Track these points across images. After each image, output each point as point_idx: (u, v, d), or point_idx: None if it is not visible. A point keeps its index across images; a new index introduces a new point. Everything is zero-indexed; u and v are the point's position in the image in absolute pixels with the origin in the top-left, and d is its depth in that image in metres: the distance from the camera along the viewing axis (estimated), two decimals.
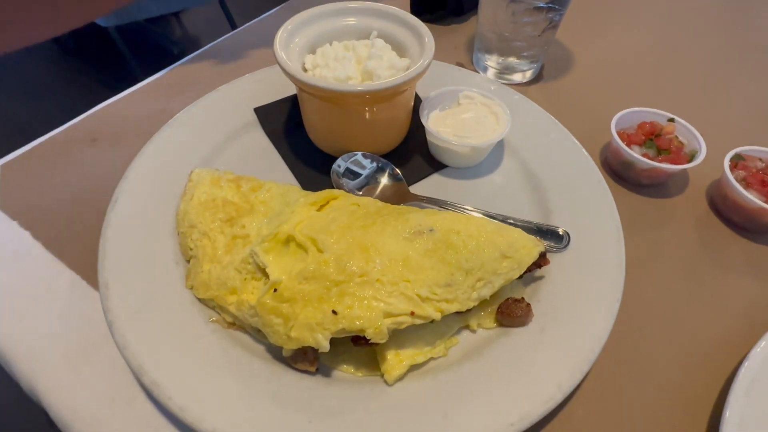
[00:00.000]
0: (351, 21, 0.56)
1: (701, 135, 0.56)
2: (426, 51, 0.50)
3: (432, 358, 0.41)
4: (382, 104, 0.50)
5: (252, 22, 0.82)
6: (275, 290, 0.38)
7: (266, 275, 0.41)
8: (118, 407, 0.40)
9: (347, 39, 0.56)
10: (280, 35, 0.50)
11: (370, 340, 0.37)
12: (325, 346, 0.36)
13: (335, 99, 0.48)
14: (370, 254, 0.39)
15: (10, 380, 0.45)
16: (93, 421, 0.39)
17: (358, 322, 0.36)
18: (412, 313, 0.37)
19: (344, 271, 0.38)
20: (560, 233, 0.47)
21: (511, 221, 0.48)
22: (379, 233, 0.41)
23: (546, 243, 0.46)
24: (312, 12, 0.54)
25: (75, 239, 0.51)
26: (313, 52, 0.55)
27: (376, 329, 0.36)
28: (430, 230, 0.41)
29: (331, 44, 0.55)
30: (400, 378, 0.39)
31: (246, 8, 0.75)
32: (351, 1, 0.56)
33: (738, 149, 0.55)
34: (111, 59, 2.40)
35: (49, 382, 0.41)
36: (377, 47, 0.53)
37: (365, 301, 0.37)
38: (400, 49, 0.55)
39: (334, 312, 0.36)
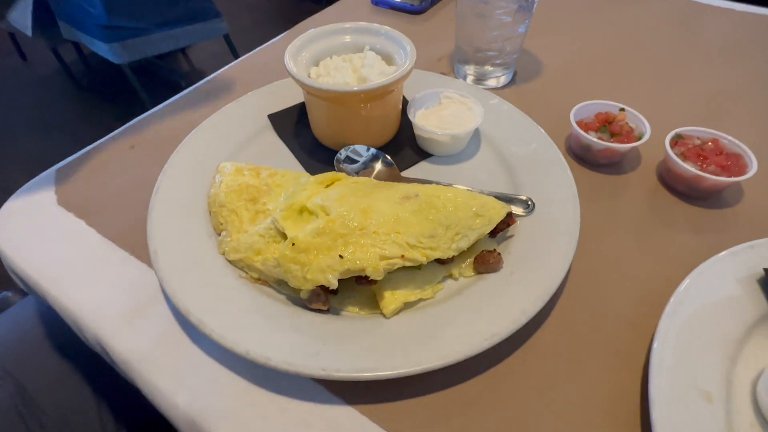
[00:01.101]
0: (347, 39, 0.68)
1: (647, 120, 0.67)
2: (409, 58, 0.61)
3: (422, 299, 0.50)
4: (374, 102, 0.61)
5: (258, 48, 0.94)
6: (293, 244, 0.47)
7: (285, 237, 0.50)
8: (167, 349, 0.49)
9: (345, 53, 0.67)
10: (290, 50, 0.62)
11: (369, 278, 0.46)
12: (334, 284, 0.45)
13: (336, 99, 0.59)
14: (368, 214, 0.49)
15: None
16: (147, 359, 0.48)
17: (359, 263, 0.45)
18: (403, 257, 0.47)
19: (347, 227, 0.48)
20: (525, 199, 0.57)
21: (486, 192, 0.58)
22: (375, 199, 0.51)
23: (515, 209, 0.56)
24: (315, 32, 0.66)
25: (123, 225, 0.61)
26: (317, 64, 0.66)
27: (374, 268, 0.46)
28: (416, 195, 0.51)
29: (331, 58, 0.66)
30: (396, 312, 0.48)
31: (250, 42, 0.86)
32: (346, 22, 0.68)
33: (677, 130, 0.65)
34: (123, 94, 2.56)
35: (110, 332, 0.50)
36: (369, 58, 0.64)
37: (365, 248, 0.46)
38: (388, 59, 0.66)
39: (340, 256, 0.46)
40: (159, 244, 0.53)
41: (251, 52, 0.93)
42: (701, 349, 0.45)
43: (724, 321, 0.47)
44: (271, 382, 0.46)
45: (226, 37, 2.45)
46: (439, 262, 0.51)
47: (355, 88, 0.57)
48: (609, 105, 0.70)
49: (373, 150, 0.64)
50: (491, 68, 0.81)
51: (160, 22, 2.21)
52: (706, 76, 0.85)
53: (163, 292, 0.52)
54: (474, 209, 0.51)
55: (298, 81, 0.59)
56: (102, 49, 2.32)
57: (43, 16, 2.31)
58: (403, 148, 0.68)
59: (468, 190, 0.57)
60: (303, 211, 0.52)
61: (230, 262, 0.53)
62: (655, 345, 0.44)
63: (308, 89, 0.60)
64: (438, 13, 1.05)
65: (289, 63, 0.60)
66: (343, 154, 0.63)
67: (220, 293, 0.49)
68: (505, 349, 0.48)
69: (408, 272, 0.50)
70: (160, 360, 0.48)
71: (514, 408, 0.44)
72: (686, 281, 0.49)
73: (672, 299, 0.47)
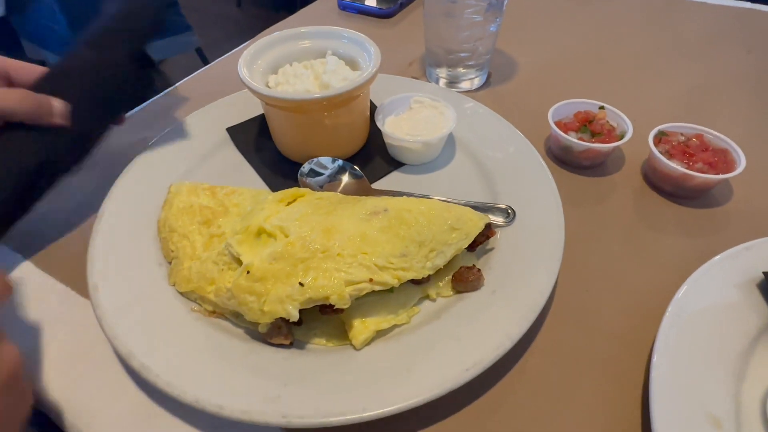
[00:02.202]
0: (306, 44, 0.63)
1: (628, 118, 0.63)
2: (374, 61, 0.57)
3: (396, 326, 0.45)
4: (339, 110, 0.56)
5: (217, 60, 0.89)
6: (248, 272, 0.42)
7: (240, 264, 0.45)
8: (109, 397, 0.43)
9: (305, 59, 0.63)
10: (244, 58, 0.57)
11: (335, 306, 0.41)
12: (294, 315, 0.40)
13: (297, 108, 0.54)
14: (331, 234, 0.44)
15: None
16: (86, 411, 0.42)
17: (322, 290, 0.40)
18: (371, 280, 0.42)
19: (308, 250, 0.43)
20: (504, 208, 0.53)
21: (462, 203, 0.54)
22: (339, 217, 0.46)
23: (494, 219, 0.52)
24: (270, 38, 0.61)
25: (63, 256, 0.55)
26: (275, 72, 0.61)
27: (339, 296, 0.40)
28: (385, 210, 0.46)
29: (291, 65, 0.62)
30: (367, 342, 0.43)
31: (222, 55, 0.82)
32: (304, 27, 0.63)
33: (661, 126, 0.62)
34: None
35: (45, 380, 0.44)
36: (331, 63, 0.60)
37: (328, 273, 0.41)
38: (352, 64, 0.61)
39: (300, 284, 0.41)
40: (100, 277, 0.47)
41: (209, 65, 0.88)
42: (704, 367, 0.41)
43: (726, 333, 0.43)
44: (232, 429, 0.40)
45: (199, 51, 2.39)
46: (414, 282, 0.46)
47: (317, 95, 0.52)
48: (588, 103, 0.66)
49: (339, 161, 0.59)
50: (464, 70, 0.77)
51: None
52: (684, 71, 0.82)
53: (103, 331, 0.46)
54: (449, 222, 0.47)
55: (253, 91, 0.54)
56: None
57: (3, 36, 2.23)
58: (373, 158, 0.64)
59: (443, 201, 0.53)
60: (261, 233, 0.47)
61: (181, 293, 0.47)
62: (654, 366, 0.40)
63: (265, 99, 0.55)
64: (407, 16, 1.01)
65: (243, 71, 0.55)
66: (306, 167, 0.58)
67: (167, 331, 0.43)
68: (490, 378, 0.43)
69: (379, 296, 0.45)
70: (101, 410, 0.42)
71: None
72: (682, 290, 0.45)
73: (668, 311, 0.43)
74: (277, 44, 0.61)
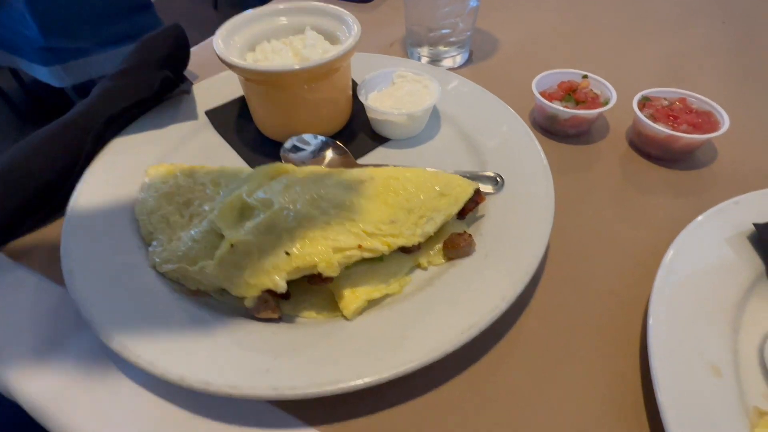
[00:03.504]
0: (283, 20, 0.62)
1: (612, 87, 0.63)
2: (354, 33, 0.55)
3: (387, 295, 0.43)
4: (319, 83, 0.55)
5: (195, 46, 0.86)
6: (232, 245, 0.40)
7: (223, 239, 0.43)
8: (87, 384, 0.41)
9: (284, 36, 0.61)
10: (220, 33, 0.55)
11: (323, 275, 0.39)
12: (282, 285, 0.39)
13: (275, 81, 0.53)
14: (317, 203, 0.42)
15: None
16: (62, 398, 0.40)
17: (309, 259, 0.39)
18: (360, 247, 0.40)
19: (293, 219, 0.41)
20: (493, 176, 0.52)
21: (450, 172, 0.53)
22: (324, 186, 0.44)
23: (483, 188, 0.51)
24: (246, 15, 0.59)
25: (37, 246, 0.52)
26: (252, 50, 0.59)
27: (327, 263, 0.39)
28: (371, 178, 0.45)
29: (269, 41, 0.60)
30: (359, 312, 0.41)
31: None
32: (280, 2, 0.62)
33: (644, 92, 0.62)
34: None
35: (18, 370, 0.42)
36: (310, 38, 0.58)
37: (315, 241, 0.40)
38: (332, 39, 0.60)
39: (287, 253, 0.39)
40: (75, 261, 0.45)
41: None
42: (700, 319, 0.40)
43: (720, 285, 0.43)
44: (219, 411, 0.39)
45: None
46: (404, 251, 0.45)
47: (296, 67, 0.51)
48: (571, 73, 0.66)
49: (322, 138, 0.58)
50: (445, 48, 0.77)
51: (102, 41, 2.07)
52: (663, 42, 0.83)
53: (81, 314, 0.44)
54: (438, 189, 0.46)
55: (230, 65, 0.52)
56: (42, 73, 2.17)
57: None
58: (357, 134, 0.62)
59: (427, 169, 0.52)
60: (244, 208, 0.45)
61: (162, 274, 0.45)
62: (650, 321, 0.40)
63: (243, 73, 0.53)
64: (386, 1, 1.00)
65: (220, 45, 0.53)
66: (289, 143, 0.57)
67: (149, 312, 0.41)
68: (487, 342, 0.42)
69: (369, 266, 0.44)
70: (78, 397, 0.40)
71: (502, 407, 0.38)
72: (673, 246, 0.45)
73: (661, 267, 0.43)
74: (254, 21, 0.60)
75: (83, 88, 2.27)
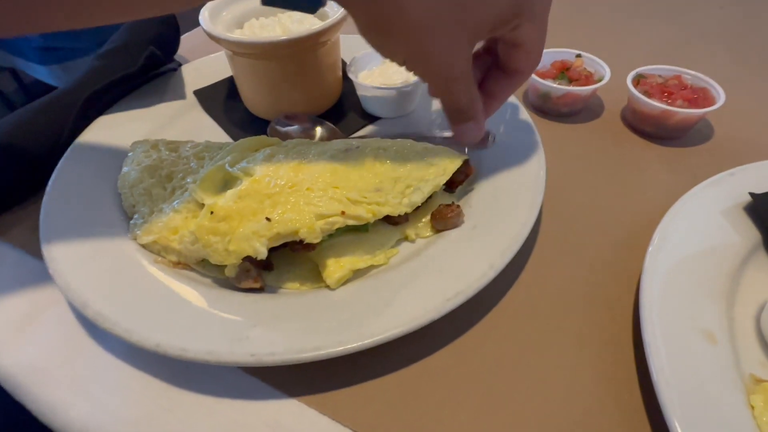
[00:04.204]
0: None
1: (607, 65, 0.62)
2: (343, 8, 0.54)
3: (373, 266, 0.42)
4: (307, 57, 0.54)
5: (185, 35, 0.86)
6: (212, 213, 0.39)
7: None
8: (62, 356, 0.40)
9: (272, 14, 0.60)
10: (207, 8, 0.54)
11: (305, 241, 0.38)
12: (263, 252, 0.38)
13: (263, 53, 0.52)
14: (300, 170, 0.41)
15: None
16: (37, 370, 0.39)
17: (290, 224, 0.38)
18: (343, 213, 0.39)
19: (275, 186, 0.40)
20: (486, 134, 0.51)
21: (438, 136, 0.52)
22: (308, 155, 0.43)
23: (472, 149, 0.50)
24: None
25: (17, 222, 0.51)
26: (240, 27, 0.59)
27: (309, 228, 0.38)
28: (356, 147, 0.44)
29: (257, 19, 0.59)
30: (342, 281, 0.40)
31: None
32: None
33: (638, 69, 0.61)
34: None
35: None
36: (298, 14, 0.58)
37: (297, 207, 0.39)
38: (321, 16, 0.59)
39: (267, 219, 0.38)
40: (54, 231, 0.44)
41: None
42: (695, 288, 0.39)
43: (715, 255, 0.42)
44: (194, 382, 0.38)
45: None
46: (391, 222, 0.44)
47: (283, 38, 0.50)
48: (565, 52, 0.65)
49: (310, 116, 0.57)
50: None
51: (101, 42, 2.08)
52: (661, 22, 0.82)
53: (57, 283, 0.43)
54: (426, 159, 0.45)
55: (215, 38, 0.51)
56: (40, 72, 2.17)
57: None
58: (347, 114, 0.61)
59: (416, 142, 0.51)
60: (227, 179, 0.44)
61: (143, 246, 0.44)
62: (643, 287, 0.38)
63: (230, 46, 0.52)
64: None
65: (206, 20, 0.53)
66: (277, 120, 0.56)
67: (127, 282, 0.40)
68: (475, 314, 0.41)
69: (354, 236, 0.43)
70: (54, 369, 0.39)
71: (491, 380, 0.37)
72: (668, 215, 0.44)
73: (656, 235, 0.42)
74: None
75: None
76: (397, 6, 0.32)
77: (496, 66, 0.43)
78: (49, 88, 2.04)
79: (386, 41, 0.36)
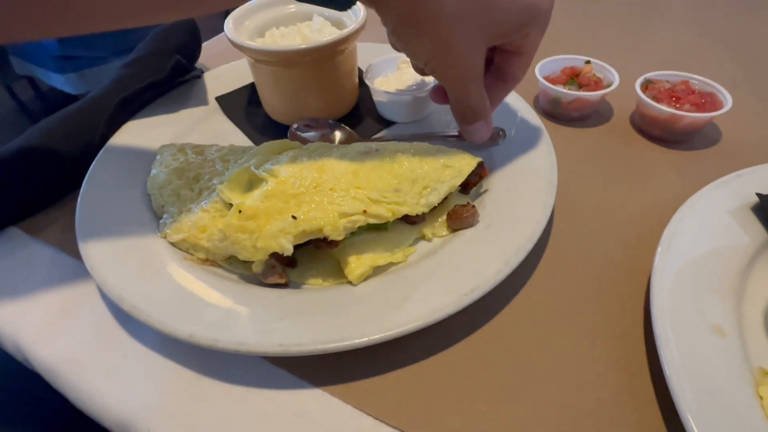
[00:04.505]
0: (292, 8, 0.64)
1: (615, 71, 0.64)
2: (360, 18, 0.57)
3: (392, 264, 0.44)
4: (326, 65, 0.56)
5: (206, 42, 0.89)
6: (240, 211, 0.42)
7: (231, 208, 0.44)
8: (98, 347, 0.42)
9: (292, 24, 0.63)
10: (231, 17, 0.57)
11: (329, 239, 0.40)
12: (288, 248, 0.40)
13: (283, 60, 0.54)
14: (323, 171, 0.43)
15: None
16: (74, 360, 0.41)
17: (315, 222, 0.40)
18: (365, 212, 0.41)
19: (300, 186, 0.42)
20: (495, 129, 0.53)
21: (450, 135, 0.54)
22: (330, 157, 0.45)
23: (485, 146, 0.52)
24: (257, 2, 0.61)
25: (51, 222, 0.54)
26: (262, 35, 0.61)
27: (332, 227, 0.40)
28: (376, 150, 0.46)
29: (278, 28, 0.62)
30: (363, 277, 0.42)
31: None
32: None
33: (647, 75, 0.63)
34: None
35: (32, 336, 0.43)
36: (317, 23, 0.60)
37: (321, 206, 0.41)
38: (338, 24, 0.62)
39: (293, 217, 0.40)
40: (89, 231, 0.46)
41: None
42: (704, 284, 0.40)
43: (723, 254, 0.43)
44: (224, 372, 0.39)
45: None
46: (409, 221, 0.46)
47: (303, 46, 0.52)
48: (574, 59, 0.67)
49: (329, 120, 0.59)
50: None
51: (117, 50, 2.13)
52: (668, 29, 0.84)
53: (96, 285, 0.45)
54: (442, 161, 0.47)
55: (239, 46, 0.54)
56: (58, 81, 2.22)
57: None
58: (364, 118, 0.64)
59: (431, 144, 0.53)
60: (252, 180, 0.46)
61: (173, 244, 0.46)
62: (653, 283, 0.40)
63: (253, 54, 0.55)
64: None
65: (230, 29, 0.55)
66: (296, 125, 0.58)
67: (159, 277, 0.42)
68: (491, 309, 0.43)
69: (375, 235, 0.45)
70: (91, 360, 0.41)
71: (506, 371, 0.39)
72: (678, 214, 0.45)
73: (665, 233, 0.43)
74: (264, 8, 0.62)
75: None
76: None
77: (489, 72, 0.46)
78: (65, 96, 2.08)
79: (417, 33, 0.39)
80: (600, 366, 0.38)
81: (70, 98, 2.25)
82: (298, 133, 0.57)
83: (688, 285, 0.40)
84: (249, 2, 0.61)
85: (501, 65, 0.45)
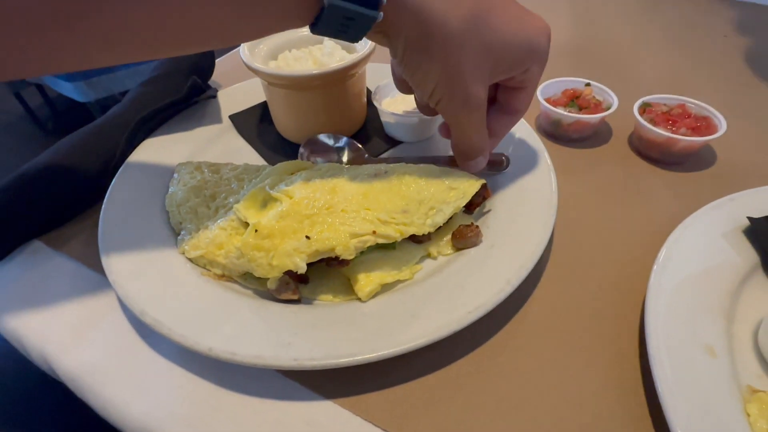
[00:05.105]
0: (305, 31, 0.66)
1: (614, 94, 0.66)
2: (369, 43, 0.60)
3: (399, 281, 0.46)
4: (336, 88, 0.59)
5: (218, 59, 0.92)
6: (256, 230, 0.44)
7: (247, 227, 0.47)
8: (121, 358, 0.44)
9: (304, 46, 0.66)
10: (245, 44, 0.60)
11: (340, 258, 0.43)
12: (302, 266, 0.42)
13: (295, 85, 0.57)
14: (335, 193, 0.46)
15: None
16: (98, 371, 0.43)
17: (328, 242, 0.42)
18: (374, 233, 0.44)
19: (313, 207, 0.45)
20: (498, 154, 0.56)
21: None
22: (341, 179, 0.48)
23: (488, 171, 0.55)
24: None
25: (73, 236, 0.56)
26: (275, 58, 0.64)
27: (344, 246, 0.42)
28: (385, 172, 0.49)
29: (290, 51, 0.65)
30: (372, 294, 0.44)
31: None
32: None
33: (645, 98, 0.65)
34: None
35: (58, 347, 0.45)
36: (328, 47, 0.63)
37: (333, 227, 0.43)
38: (348, 48, 0.64)
39: (307, 237, 0.43)
40: (112, 246, 0.48)
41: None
42: (696, 305, 0.42)
43: (715, 276, 0.45)
44: (240, 384, 0.42)
45: None
46: (415, 240, 0.48)
47: (314, 72, 0.55)
48: (575, 81, 0.70)
49: (338, 137, 0.62)
50: None
51: None
52: (665, 54, 0.86)
53: (117, 299, 0.48)
54: (447, 183, 0.49)
55: (254, 70, 0.57)
56: (66, 88, 2.27)
57: None
58: (371, 137, 0.66)
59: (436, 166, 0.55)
60: (266, 199, 0.49)
61: (190, 260, 0.49)
62: (648, 303, 0.42)
63: (267, 78, 0.57)
64: None
65: (246, 54, 0.58)
66: (306, 143, 0.60)
67: (179, 292, 0.45)
68: (493, 326, 0.45)
69: (382, 253, 0.47)
70: (114, 370, 0.43)
71: (507, 386, 0.41)
72: (671, 238, 0.47)
73: (661, 254, 0.45)
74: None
75: (106, 104, 2.36)
76: (440, 18, 0.37)
77: (493, 107, 0.48)
78: (73, 103, 2.10)
79: (427, 58, 0.40)
80: (596, 382, 0.40)
81: (78, 105, 2.28)
82: (308, 153, 0.60)
83: (682, 305, 0.42)
84: None
85: (504, 101, 0.47)
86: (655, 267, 0.45)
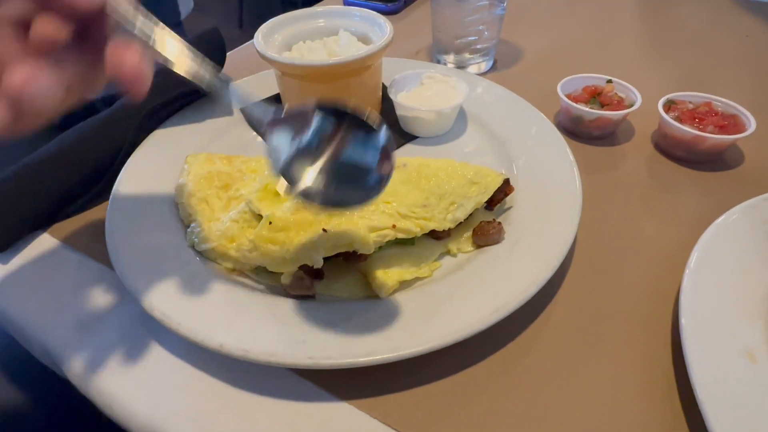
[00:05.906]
0: (321, 23, 0.65)
1: (638, 91, 0.64)
2: (386, 33, 0.58)
3: (418, 278, 0.44)
4: (351, 80, 0.57)
5: (229, 52, 0.91)
6: (270, 223, 0.42)
7: (260, 220, 0.45)
8: (127, 354, 0.42)
9: (319, 38, 0.64)
10: (261, 31, 0.58)
11: (358, 253, 0.41)
12: (319, 261, 0.40)
13: (310, 75, 0.55)
14: None
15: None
16: (103, 367, 0.41)
17: (346, 236, 0.40)
18: (394, 226, 0.42)
19: None
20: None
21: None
22: None
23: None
24: (286, 16, 0.63)
25: (80, 228, 0.54)
26: (289, 49, 0.62)
27: (362, 241, 0.40)
28: (404, 165, 0.47)
29: (305, 42, 0.63)
30: (391, 291, 0.42)
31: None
32: (318, 6, 0.65)
33: (670, 95, 0.63)
34: None
35: (62, 341, 0.43)
36: (344, 39, 0.61)
37: (351, 220, 0.41)
38: (364, 40, 0.63)
39: (324, 230, 0.41)
40: (119, 239, 0.47)
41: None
42: (734, 308, 0.40)
43: (753, 276, 0.43)
44: (252, 383, 0.40)
45: None
46: (435, 237, 0.46)
47: (330, 62, 0.53)
48: (596, 78, 0.68)
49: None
50: (470, 55, 0.79)
51: None
52: (688, 50, 0.84)
53: (125, 292, 0.46)
54: (468, 177, 0.47)
55: (268, 59, 0.55)
56: None
57: None
58: None
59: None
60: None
61: (201, 253, 0.47)
62: (682, 306, 0.40)
63: (281, 68, 0.56)
64: (412, 12, 1.04)
65: (260, 42, 0.56)
66: None
67: (188, 286, 0.43)
68: (516, 327, 0.43)
69: (401, 249, 0.45)
70: (119, 367, 0.41)
71: (532, 390, 0.38)
72: (705, 235, 0.45)
73: (693, 255, 0.43)
74: (292, 22, 0.63)
75: (111, 100, 2.36)
76: None
77: None
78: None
79: None
80: (627, 387, 0.38)
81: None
82: None
83: (718, 308, 0.40)
84: (279, 16, 0.62)
85: None
86: (687, 268, 0.43)
